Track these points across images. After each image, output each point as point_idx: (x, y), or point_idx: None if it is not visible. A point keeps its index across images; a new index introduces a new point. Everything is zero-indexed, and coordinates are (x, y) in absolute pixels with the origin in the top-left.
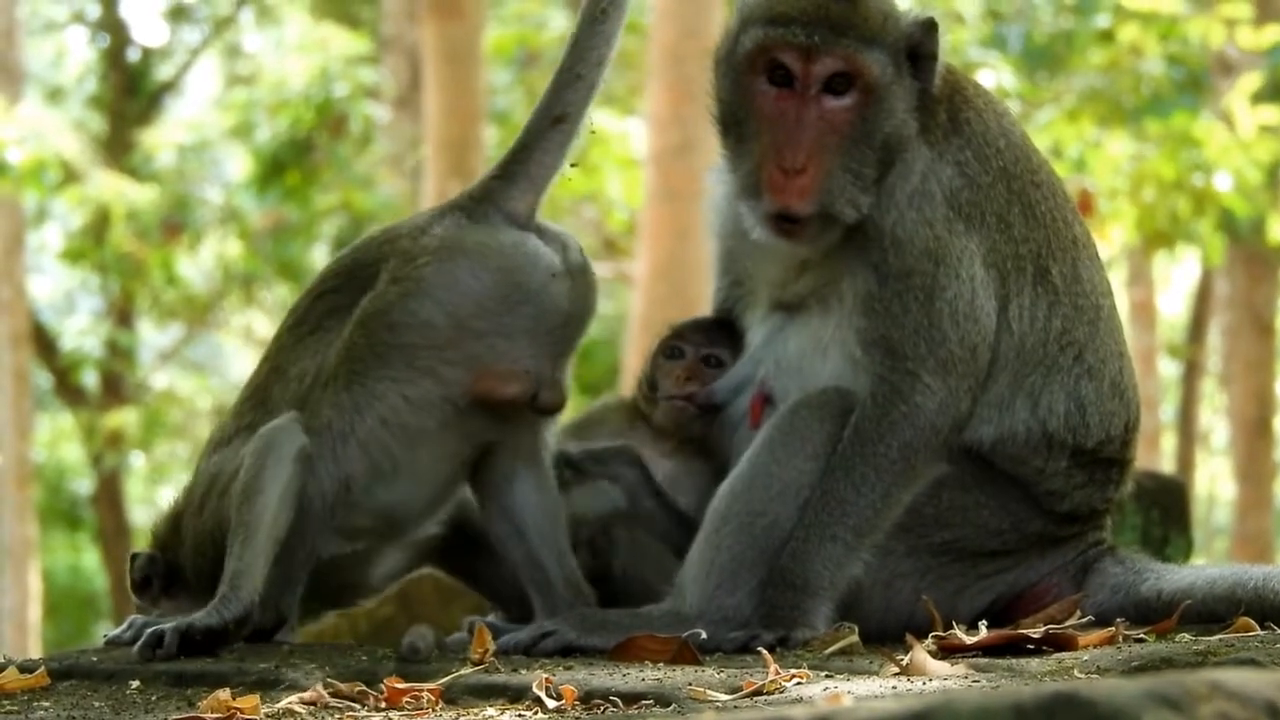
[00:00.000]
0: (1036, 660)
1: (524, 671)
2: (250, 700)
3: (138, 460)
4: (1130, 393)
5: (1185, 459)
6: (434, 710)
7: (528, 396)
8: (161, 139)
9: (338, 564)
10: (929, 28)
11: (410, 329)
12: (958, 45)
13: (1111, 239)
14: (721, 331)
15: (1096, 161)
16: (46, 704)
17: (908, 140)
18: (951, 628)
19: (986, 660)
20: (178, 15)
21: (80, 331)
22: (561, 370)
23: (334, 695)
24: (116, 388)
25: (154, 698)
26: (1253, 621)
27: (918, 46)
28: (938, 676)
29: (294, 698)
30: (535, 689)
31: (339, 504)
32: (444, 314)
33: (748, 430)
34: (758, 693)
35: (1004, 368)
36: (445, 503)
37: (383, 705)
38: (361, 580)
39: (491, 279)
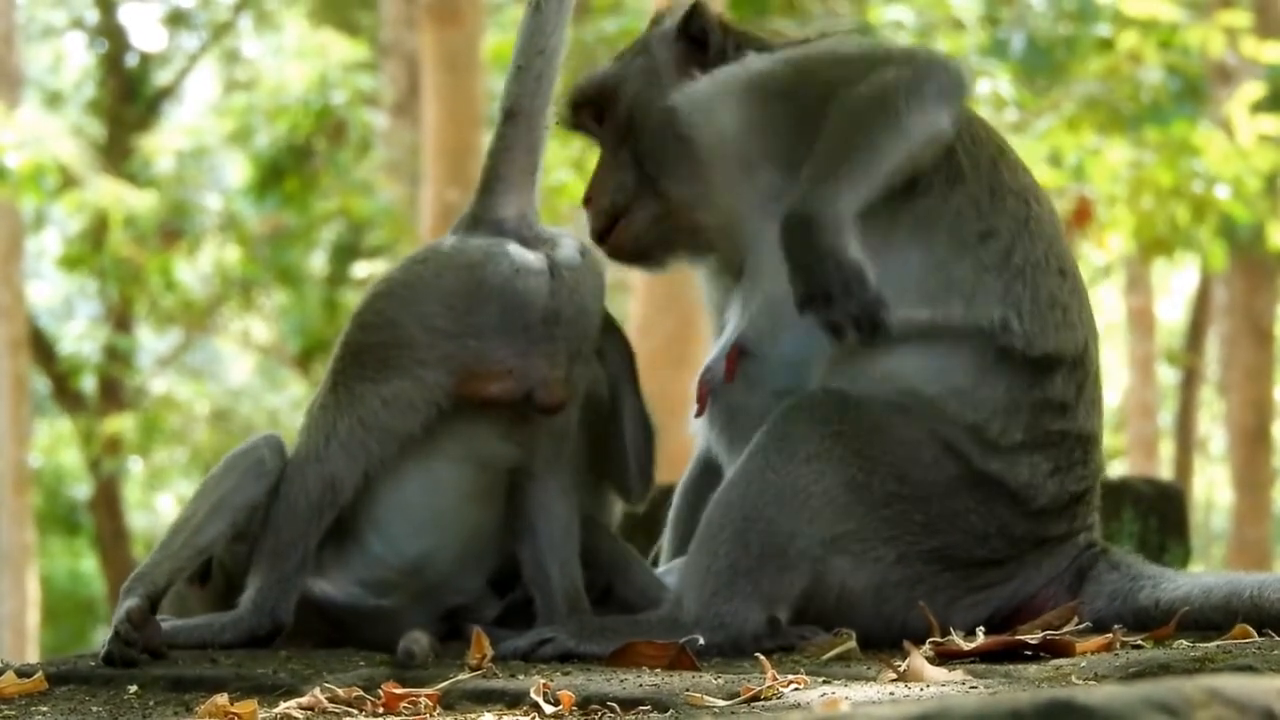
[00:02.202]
0: (1034, 666)
1: (521, 677)
2: (248, 706)
3: (136, 465)
4: (1080, 325)
5: (1183, 466)
6: (431, 715)
7: (517, 396)
8: (160, 144)
9: (360, 614)
10: (690, 14)
11: (378, 328)
12: (958, 52)
13: (1110, 246)
14: None
15: (1095, 169)
16: (44, 709)
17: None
18: (949, 634)
19: (984, 666)
20: (176, 21)
21: (78, 337)
22: (561, 368)
23: (331, 700)
24: (115, 393)
25: (152, 703)
26: (1250, 628)
27: (688, 30)
28: (935, 682)
29: (292, 703)
30: (533, 694)
31: (327, 506)
32: (409, 313)
33: (724, 387)
34: (755, 698)
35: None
36: (480, 559)
37: (380, 711)
38: (387, 642)
39: (453, 276)
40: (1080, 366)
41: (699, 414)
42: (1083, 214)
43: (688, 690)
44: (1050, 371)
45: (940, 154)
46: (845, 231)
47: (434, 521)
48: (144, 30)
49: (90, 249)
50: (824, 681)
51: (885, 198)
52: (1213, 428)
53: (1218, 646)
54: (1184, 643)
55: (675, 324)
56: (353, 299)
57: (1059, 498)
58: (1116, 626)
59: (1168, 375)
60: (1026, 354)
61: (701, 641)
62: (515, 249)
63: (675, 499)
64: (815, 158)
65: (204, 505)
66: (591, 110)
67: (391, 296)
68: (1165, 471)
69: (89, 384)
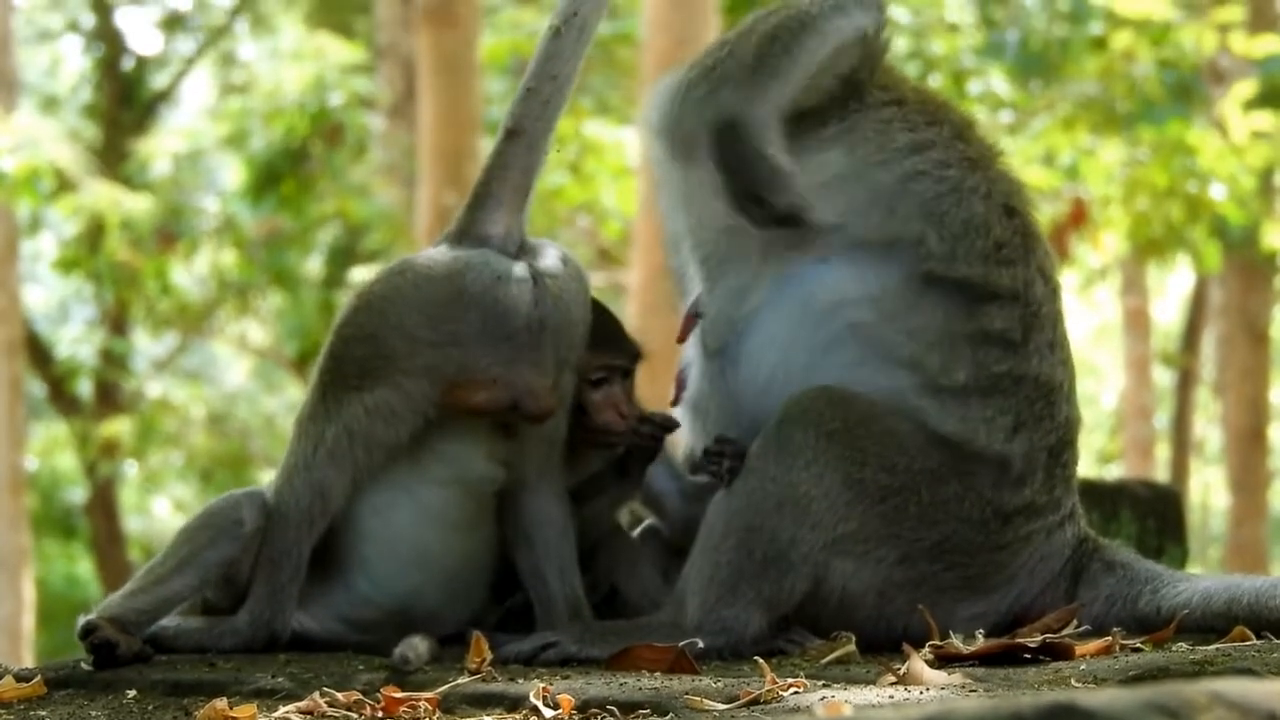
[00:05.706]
0: (1033, 669)
1: (521, 681)
2: (247, 710)
3: (132, 469)
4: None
5: (1179, 468)
6: (431, 719)
7: (504, 405)
8: (156, 148)
9: (339, 649)
10: None
11: (359, 341)
12: (953, 53)
13: (1105, 247)
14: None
15: (1090, 169)
16: (43, 713)
17: None
18: (948, 636)
19: (983, 670)
20: (172, 25)
21: (74, 340)
22: (548, 376)
23: (331, 705)
24: (111, 396)
25: (151, 707)
26: (1248, 630)
27: None
28: (935, 686)
29: (291, 707)
30: (533, 698)
31: (317, 514)
32: (388, 325)
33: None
34: (755, 702)
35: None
36: (467, 591)
37: (380, 714)
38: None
39: (434, 288)
40: (1025, 305)
41: (674, 403)
42: (1078, 215)
43: (687, 694)
44: (984, 302)
45: (867, 60)
46: (769, 131)
47: (421, 556)
48: (140, 34)
49: (86, 252)
50: (823, 685)
51: (815, 100)
52: (1209, 429)
53: (1217, 650)
54: (1183, 646)
55: (671, 325)
56: None
57: (1032, 457)
58: (1116, 629)
59: (1164, 377)
60: (948, 276)
61: (701, 645)
62: (495, 258)
63: None
64: (734, 62)
65: (175, 557)
66: None
67: (370, 309)
68: (1162, 473)
69: (85, 387)
